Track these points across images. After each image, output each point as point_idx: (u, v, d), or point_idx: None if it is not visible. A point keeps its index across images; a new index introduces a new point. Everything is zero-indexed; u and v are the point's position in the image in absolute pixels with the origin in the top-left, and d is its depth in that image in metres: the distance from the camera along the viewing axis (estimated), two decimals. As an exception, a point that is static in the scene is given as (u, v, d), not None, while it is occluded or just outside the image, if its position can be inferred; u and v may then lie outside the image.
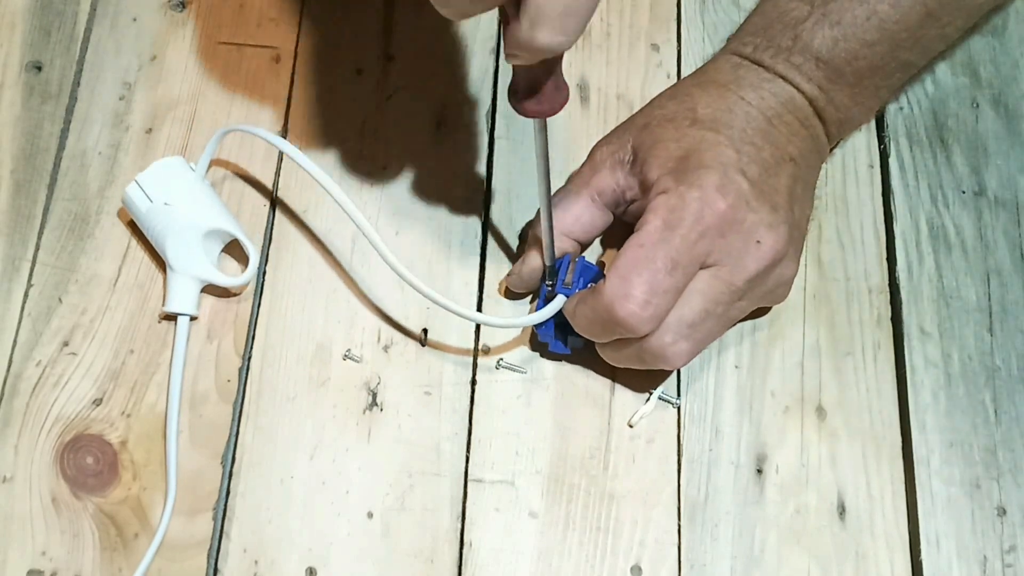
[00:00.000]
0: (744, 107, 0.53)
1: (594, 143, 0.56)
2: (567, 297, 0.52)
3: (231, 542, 0.51)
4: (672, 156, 0.51)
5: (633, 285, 0.48)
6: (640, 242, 0.49)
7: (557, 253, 0.53)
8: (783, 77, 0.54)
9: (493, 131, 0.60)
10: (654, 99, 0.55)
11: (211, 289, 0.55)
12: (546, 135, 0.47)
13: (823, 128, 0.55)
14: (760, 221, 0.50)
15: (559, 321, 0.53)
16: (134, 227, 0.56)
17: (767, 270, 0.51)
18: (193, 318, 0.54)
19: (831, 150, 0.58)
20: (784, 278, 0.53)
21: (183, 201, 0.54)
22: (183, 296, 0.53)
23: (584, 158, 0.56)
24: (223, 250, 0.56)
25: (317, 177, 0.52)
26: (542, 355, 0.55)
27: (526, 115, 0.45)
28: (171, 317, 0.54)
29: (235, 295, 0.55)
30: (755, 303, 0.53)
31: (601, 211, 0.54)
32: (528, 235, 0.56)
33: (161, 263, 0.55)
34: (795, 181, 0.53)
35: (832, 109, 0.55)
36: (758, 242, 0.50)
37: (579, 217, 0.54)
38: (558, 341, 0.54)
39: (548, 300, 0.53)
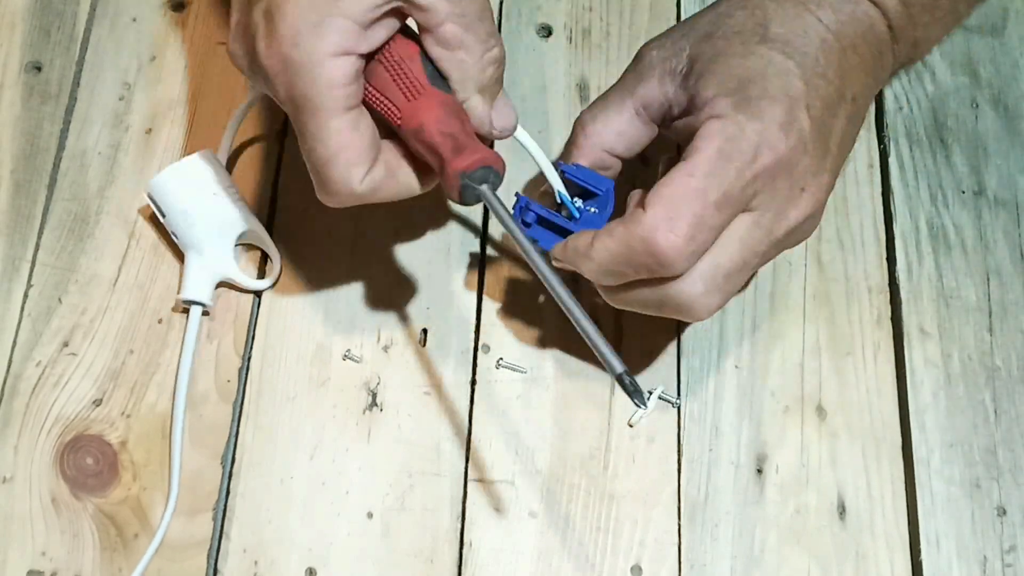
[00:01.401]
0: (821, 31, 0.46)
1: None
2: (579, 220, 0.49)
3: (231, 542, 0.51)
4: (734, 75, 0.45)
5: (681, 215, 0.43)
6: (690, 170, 0.44)
7: (598, 168, 0.50)
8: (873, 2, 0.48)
9: (493, 131, 0.60)
10: (720, 2, 0.49)
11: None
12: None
13: (893, 57, 0.50)
14: (810, 168, 0.45)
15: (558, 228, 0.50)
16: (134, 228, 0.56)
17: (806, 220, 0.47)
18: (205, 312, 0.54)
19: (889, 78, 0.52)
20: (814, 225, 0.48)
21: (217, 196, 0.54)
22: (200, 286, 0.54)
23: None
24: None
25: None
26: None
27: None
28: (182, 308, 0.54)
29: (244, 291, 0.55)
30: (779, 252, 0.48)
31: (646, 125, 0.49)
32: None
33: (175, 250, 0.55)
34: (849, 122, 0.48)
35: (911, 29, 0.49)
36: (802, 189, 0.46)
37: (622, 132, 0.49)
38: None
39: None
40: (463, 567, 0.51)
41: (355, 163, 0.43)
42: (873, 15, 0.48)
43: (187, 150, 0.58)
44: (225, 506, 0.52)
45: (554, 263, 0.47)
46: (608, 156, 0.50)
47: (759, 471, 0.54)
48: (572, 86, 0.61)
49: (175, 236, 0.54)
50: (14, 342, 0.54)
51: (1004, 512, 0.54)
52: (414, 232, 0.57)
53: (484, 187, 0.44)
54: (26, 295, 0.55)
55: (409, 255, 0.57)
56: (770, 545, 0.53)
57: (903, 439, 0.55)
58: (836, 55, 0.47)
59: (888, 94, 0.62)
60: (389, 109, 0.45)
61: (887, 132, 0.61)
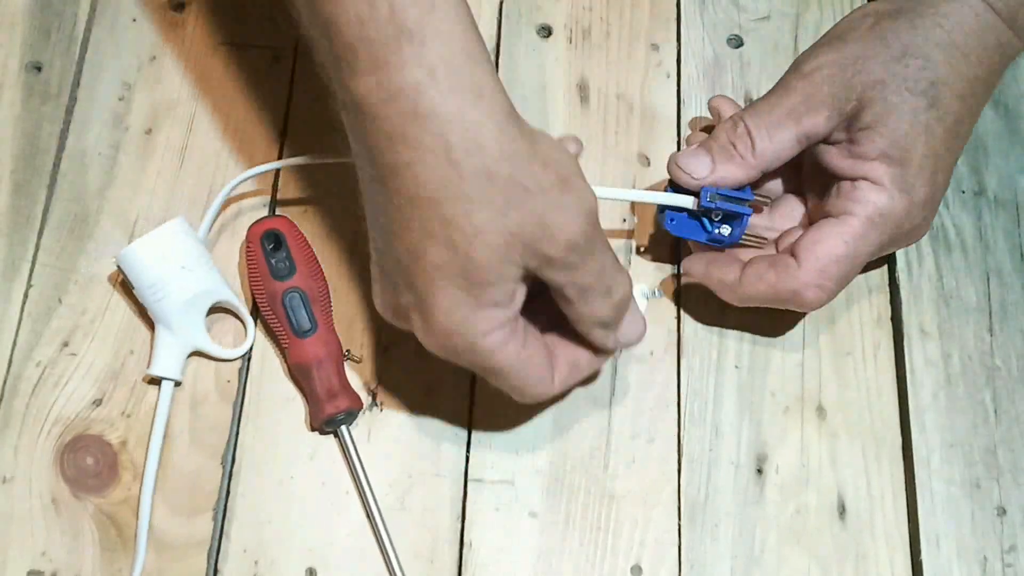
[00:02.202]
0: (978, 90, 0.51)
1: (594, 142, 0.55)
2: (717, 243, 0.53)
3: (231, 542, 0.51)
4: (899, 144, 0.49)
5: (830, 278, 0.50)
6: (844, 238, 0.50)
7: (744, 177, 0.52)
8: (1018, 33, 0.51)
9: (493, 131, 0.60)
10: (888, 35, 0.50)
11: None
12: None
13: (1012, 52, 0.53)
14: (931, 221, 0.53)
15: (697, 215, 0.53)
16: (134, 228, 0.56)
17: None
18: (177, 384, 0.53)
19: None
20: None
21: (189, 267, 0.52)
22: (171, 361, 0.52)
23: (581, 156, 0.55)
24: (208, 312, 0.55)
25: None
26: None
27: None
28: (154, 381, 0.53)
29: (216, 361, 0.54)
30: None
31: (798, 150, 0.52)
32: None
33: (146, 320, 0.54)
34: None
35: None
36: (919, 235, 0.53)
37: (782, 158, 0.52)
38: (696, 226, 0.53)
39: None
40: (463, 567, 0.51)
41: (539, 383, 0.47)
42: (1013, 53, 0.51)
43: (187, 150, 0.58)
44: (225, 506, 0.52)
45: (684, 275, 0.55)
46: (755, 170, 0.52)
47: (759, 471, 0.54)
48: (572, 86, 0.61)
49: (146, 307, 0.53)
50: (14, 342, 0.54)
51: (1004, 512, 0.54)
52: (414, 232, 0.57)
53: (343, 428, 0.52)
54: (26, 295, 0.55)
55: (409, 255, 0.57)
56: (770, 545, 0.53)
57: (903, 439, 0.55)
58: (979, 108, 0.52)
59: (888, 94, 0.62)
60: (281, 337, 0.53)
61: (887, 132, 0.61)
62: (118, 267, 0.53)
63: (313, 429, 0.53)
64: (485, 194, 0.42)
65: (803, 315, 0.57)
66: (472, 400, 0.54)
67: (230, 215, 0.57)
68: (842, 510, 0.54)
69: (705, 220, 0.52)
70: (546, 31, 0.62)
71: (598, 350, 0.49)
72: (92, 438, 0.52)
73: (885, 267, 0.58)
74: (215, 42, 0.61)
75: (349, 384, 0.53)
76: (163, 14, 0.61)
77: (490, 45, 0.62)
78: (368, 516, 0.51)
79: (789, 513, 0.53)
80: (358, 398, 0.53)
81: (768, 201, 0.54)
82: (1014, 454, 0.55)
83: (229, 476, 0.52)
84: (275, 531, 0.51)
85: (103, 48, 0.60)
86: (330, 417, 0.51)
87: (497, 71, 0.61)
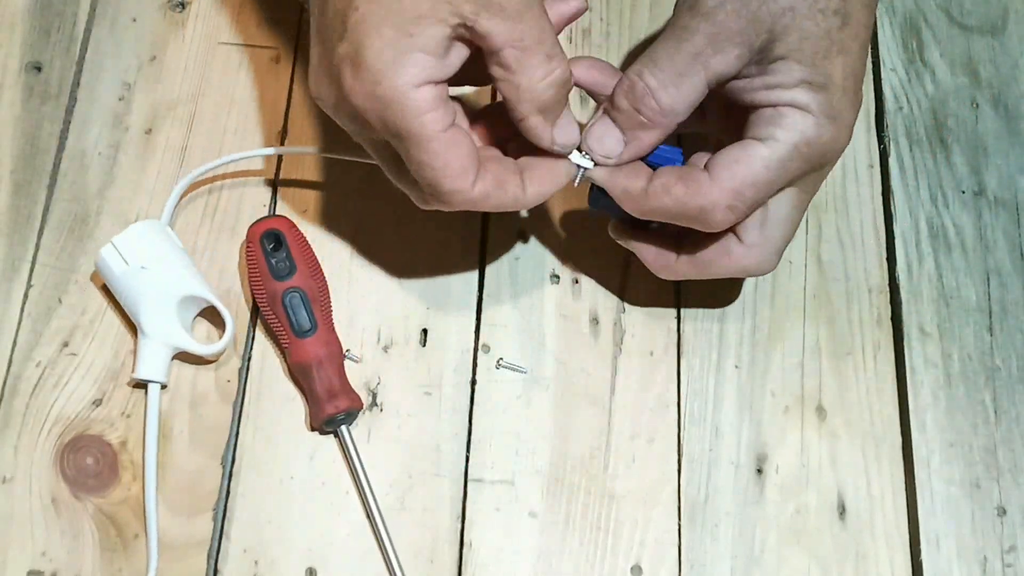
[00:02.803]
0: None
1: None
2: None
3: (231, 542, 0.51)
4: (818, 68, 0.46)
5: (744, 201, 0.47)
6: (766, 162, 0.46)
7: (661, 137, 0.48)
8: None
9: (493, 131, 0.60)
10: None
11: (185, 356, 0.54)
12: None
13: None
14: (848, 143, 0.48)
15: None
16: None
17: None
18: (163, 386, 0.53)
19: None
20: None
21: (160, 265, 0.52)
22: (154, 363, 0.52)
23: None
24: (198, 315, 0.55)
25: None
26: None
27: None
28: (140, 385, 0.53)
29: (208, 363, 0.54)
30: None
31: (706, 92, 0.48)
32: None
33: (132, 328, 0.54)
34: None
35: None
36: (834, 164, 0.49)
37: (694, 104, 0.48)
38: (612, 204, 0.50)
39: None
40: (463, 567, 0.51)
41: (460, 175, 0.45)
42: None
43: (187, 150, 0.58)
44: (225, 506, 0.52)
45: (589, 177, 0.49)
46: (669, 120, 0.48)
47: (759, 471, 0.54)
48: (572, 86, 0.61)
49: (127, 309, 0.53)
50: (14, 342, 0.54)
51: (1004, 512, 0.54)
52: (414, 232, 0.57)
53: (343, 428, 0.52)
54: (26, 295, 0.55)
55: (409, 255, 0.57)
56: (770, 545, 0.53)
57: (903, 439, 0.55)
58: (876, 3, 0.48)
59: (888, 94, 0.62)
60: (281, 337, 0.53)
61: (887, 132, 0.61)
62: (101, 274, 0.53)
63: (313, 429, 0.53)
64: None
65: (803, 315, 0.57)
66: (472, 400, 0.54)
67: (230, 215, 0.57)
68: (842, 510, 0.54)
69: None
70: (546, 31, 0.62)
71: (527, 181, 0.47)
72: (92, 438, 0.52)
73: (885, 267, 0.58)
74: (215, 42, 0.61)
75: (349, 384, 0.53)
76: (163, 14, 0.61)
77: (490, 45, 0.62)
78: (368, 516, 0.51)
79: (789, 513, 0.53)
80: (358, 398, 0.53)
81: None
82: (1014, 454, 0.55)
83: (229, 476, 0.52)
84: (275, 531, 0.51)
85: (103, 48, 0.60)
86: (330, 417, 0.51)
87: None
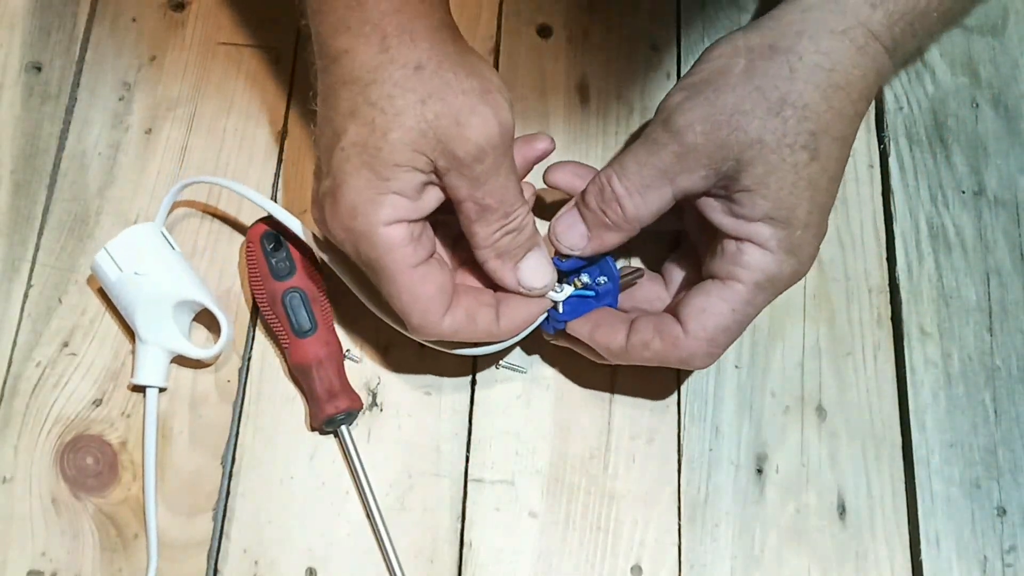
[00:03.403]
0: (855, 126, 0.48)
1: (594, 142, 0.55)
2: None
3: (231, 542, 0.51)
4: (783, 202, 0.47)
5: (719, 346, 0.49)
6: (732, 305, 0.48)
7: (624, 239, 0.50)
8: (893, 58, 0.48)
9: (493, 131, 0.60)
10: (764, 84, 0.46)
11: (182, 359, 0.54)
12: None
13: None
14: (809, 268, 0.50)
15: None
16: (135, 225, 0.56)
17: None
18: (162, 390, 0.53)
19: None
20: None
21: (154, 270, 0.52)
22: (152, 368, 0.52)
23: (581, 156, 0.55)
24: (197, 317, 0.55)
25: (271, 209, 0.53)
26: (540, 350, 0.55)
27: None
28: (139, 389, 0.53)
29: (207, 366, 0.54)
30: None
31: (673, 203, 0.49)
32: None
33: (129, 332, 0.54)
34: None
35: (898, 68, 0.52)
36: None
37: (658, 213, 0.49)
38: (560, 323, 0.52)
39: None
40: (463, 567, 0.51)
41: (431, 310, 0.48)
42: (885, 77, 0.49)
43: (187, 150, 0.58)
44: (225, 506, 0.52)
45: (569, 330, 0.51)
46: (631, 227, 0.50)
47: (759, 471, 0.54)
48: (572, 86, 0.61)
49: (124, 315, 0.53)
50: (14, 342, 0.54)
51: (1004, 512, 0.54)
52: (414, 232, 0.57)
53: (343, 428, 0.52)
54: (26, 295, 0.55)
55: (409, 255, 0.57)
56: (770, 545, 0.53)
57: (903, 439, 0.55)
58: (853, 141, 0.49)
59: (888, 94, 0.62)
60: (281, 337, 0.53)
61: (887, 132, 0.61)
62: (97, 277, 0.53)
63: (313, 429, 0.53)
64: (410, 82, 0.45)
65: (803, 315, 0.57)
66: (472, 400, 0.54)
67: (230, 215, 0.57)
68: (842, 510, 0.54)
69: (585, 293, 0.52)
70: (546, 31, 0.62)
71: (501, 314, 0.49)
72: (92, 438, 0.52)
73: (885, 267, 0.58)
74: (215, 42, 0.61)
75: (349, 384, 0.53)
76: (163, 14, 0.61)
77: (490, 45, 0.62)
78: (368, 516, 0.51)
79: (789, 513, 0.53)
80: (358, 398, 0.53)
81: (640, 274, 0.53)
82: (1014, 454, 0.55)
83: (229, 476, 0.52)
84: (275, 531, 0.51)
85: (103, 48, 0.60)
86: (330, 417, 0.51)
87: (497, 71, 0.61)
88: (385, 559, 0.51)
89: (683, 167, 0.47)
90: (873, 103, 0.62)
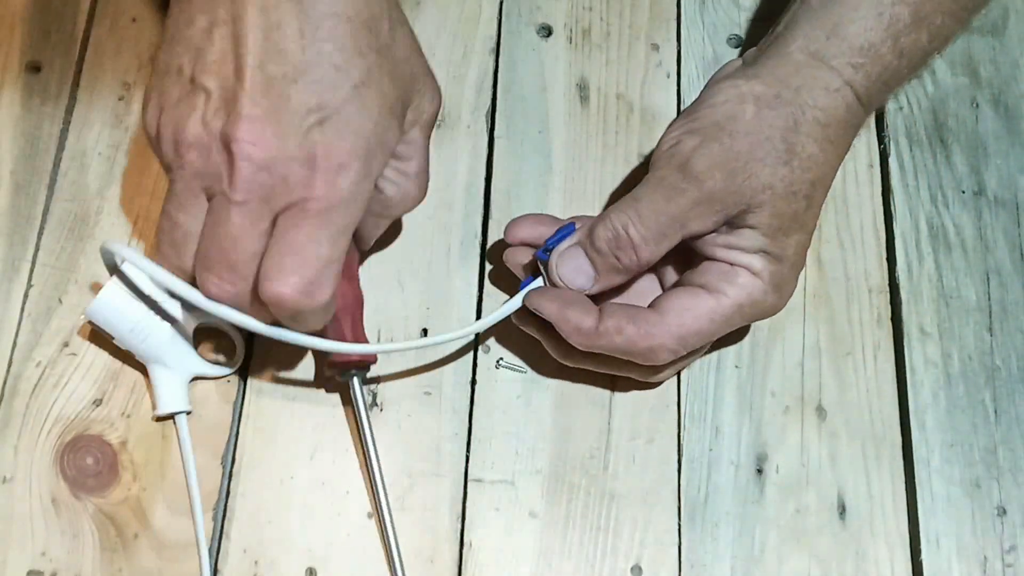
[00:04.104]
0: (836, 174, 0.51)
1: (594, 142, 0.55)
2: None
3: (231, 542, 0.51)
4: (778, 242, 0.49)
5: (686, 347, 0.50)
6: (713, 315, 0.49)
7: (628, 279, 0.51)
8: (868, 112, 0.52)
9: (493, 131, 0.60)
10: (774, 134, 0.48)
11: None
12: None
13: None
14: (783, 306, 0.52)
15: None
16: (134, 228, 0.56)
17: None
18: (188, 412, 0.52)
19: None
20: None
21: (147, 318, 0.50)
22: (175, 395, 0.51)
23: (581, 156, 0.56)
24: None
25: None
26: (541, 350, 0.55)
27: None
28: (157, 419, 0.52)
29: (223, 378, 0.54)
30: None
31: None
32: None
33: (116, 373, 0.53)
34: None
35: (874, 105, 0.53)
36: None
37: (663, 254, 0.50)
38: None
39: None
40: (463, 567, 0.51)
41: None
42: (861, 118, 0.51)
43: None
44: (225, 506, 0.52)
45: (531, 307, 0.51)
46: (640, 264, 0.50)
47: (759, 471, 0.54)
48: (572, 86, 0.61)
49: (131, 351, 0.51)
50: (14, 342, 0.54)
51: (1004, 512, 0.54)
52: (414, 232, 0.57)
53: (355, 380, 0.51)
54: (26, 295, 0.55)
55: (409, 255, 0.57)
56: (770, 545, 0.53)
57: (903, 439, 0.55)
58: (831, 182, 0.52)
59: (888, 94, 0.62)
60: None
61: (887, 132, 0.61)
62: (90, 323, 0.51)
63: (327, 376, 0.52)
64: None
65: (803, 315, 0.57)
66: (472, 400, 0.54)
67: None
68: (842, 510, 0.54)
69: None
70: (546, 31, 0.62)
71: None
72: (92, 438, 0.52)
73: (885, 267, 0.58)
74: (215, 42, 0.61)
75: (365, 337, 0.52)
76: (163, 14, 0.61)
77: (490, 45, 0.62)
78: (371, 483, 0.51)
79: (789, 513, 0.53)
80: (373, 354, 0.52)
81: None
82: (1014, 454, 0.55)
83: (229, 476, 0.52)
84: (275, 531, 0.51)
85: (103, 48, 0.60)
86: (340, 367, 0.51)
87: (497, 71, 0.61)
88: (386, 551, 0.51)
89: (699, 213, 0.49)
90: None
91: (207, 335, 0.54)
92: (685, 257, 0.52)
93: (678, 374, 0.55)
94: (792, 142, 0.49)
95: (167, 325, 0.51)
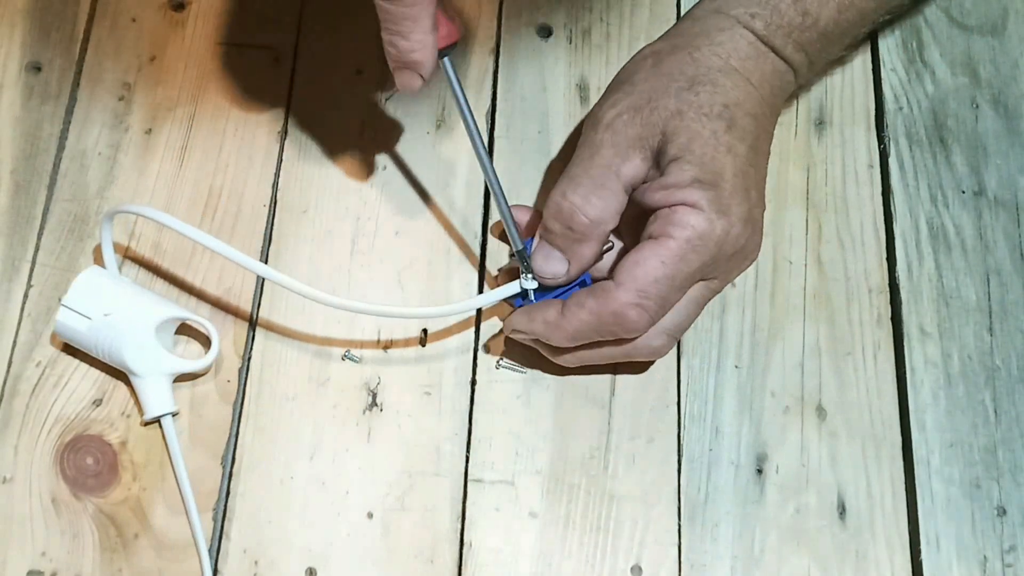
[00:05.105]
0: (766, 110, 0.52)
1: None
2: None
3: (231, 542, 0.51)
4: (708, 167, 0.49)
5: (650, 296, 0.49)
6: (662, 257, 0.49)
7: (598, 248, 0.52)
8: (788, 62, 0.53)
9: (493, 131, 0.60)
10: (673, 70, 0.51)
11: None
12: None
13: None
14: (757, 242, 0.52)
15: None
16: (133, 228, 0.56)
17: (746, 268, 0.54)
18: (175, 414, 0.53)
19: None
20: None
21: (122, 304, 0.51)
22: (159, 398, 0.52)
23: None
24: (177, 332, 0.54)
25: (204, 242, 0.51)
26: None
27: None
28: (145, 424, 0.53)
29: (202, 375, 0.54)
30: None
31: (626, 199, 0.52)
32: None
33: (117, 372, 0.53)
34: (767, 174, 0.54)
35: (810, 76, 0.57)
36: (746, 257, 0.52)
37: (619, 211, 0.51)
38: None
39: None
40: (463, 567, 0.51)
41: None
42: (791, 77, 0.54)
43: (187, 150, 0.58)
44: (225, 506, 0.52)
45: (511, 335, 0.53)
46: (604, 234, 0.51)
47: (759, 471, 0.54)
48: (572, 86, 0.61)
49: (107, 359, 0.52)
50: (14, 342, 0.54)
51: (1004, 512, 0.54)
52: (414, 232, 0.57)
53: (445, 60, 0.50)
54: (26, 295, 0.55)
55: (409, 255, 0.57)
56: (770, 545, 0.53)
57: (903, 439, 0.55)
58: (772, 126, 0.53)
59: (888, 94, 0.62)
60: None
61: (887, 132, 0.61)
62: (62, 339, 0.52)
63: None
64: None
65: (803, 315, 0.57)
66: (472, 400, 0.54)
67: (231, 210, 0.57)
68: (842, 510, 0.54)
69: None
70: (546, 31, 0.62)
71: None
72: (92, 438, 0.52)
73: (885, 267, 0.58)
74: (215, 42, 0.61)
75: (446, 19, 0.49)
76: (163, 14, 0.61)
77: (490, 45, 0.62)
78: (475, 152, 0.51)
79: (789, 513, 0.53)
80: (455, 30, 0.50)
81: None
82: (1014, 454, 0.55)
83: (229, 476, 0.52)
84: (275, 531, 0.51)
85: (103, 48, 0.60)
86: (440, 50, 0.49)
87: (497, 71, 0.61)
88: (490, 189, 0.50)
89: (622, 156, 0.50)
90: (872, 103, 0.62)
91: (181, 331, 0.54)
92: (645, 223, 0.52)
93: (678, 374, 0.55)
94: (692, 75, 0.51)
95: (132, 334, 0.51)
